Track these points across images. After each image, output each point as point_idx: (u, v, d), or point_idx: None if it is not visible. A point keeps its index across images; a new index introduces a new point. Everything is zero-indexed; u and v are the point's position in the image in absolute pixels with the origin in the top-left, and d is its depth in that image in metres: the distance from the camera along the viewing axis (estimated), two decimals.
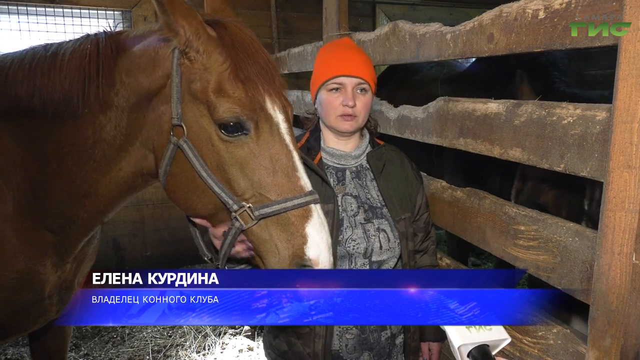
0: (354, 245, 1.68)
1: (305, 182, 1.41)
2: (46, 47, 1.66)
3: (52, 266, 1.79)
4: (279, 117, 1.42)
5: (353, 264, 1.68)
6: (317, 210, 1.40)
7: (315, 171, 1.70)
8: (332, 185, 1.71)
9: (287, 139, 1.42)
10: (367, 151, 1.83)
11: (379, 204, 1.76)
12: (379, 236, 1.71)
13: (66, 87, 1.56)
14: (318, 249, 1.37)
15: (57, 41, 1.67)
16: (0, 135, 1.66)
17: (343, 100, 1.69)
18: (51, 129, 1.61)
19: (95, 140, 1.57)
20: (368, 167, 1.81)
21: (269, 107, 1.40)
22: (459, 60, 3.04)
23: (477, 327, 1.00)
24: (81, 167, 1.62)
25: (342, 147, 1.79)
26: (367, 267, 1.69)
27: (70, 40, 1.63)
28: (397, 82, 3.69)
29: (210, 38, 1.40)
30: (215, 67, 1.39)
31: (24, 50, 1.69)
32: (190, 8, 1.39)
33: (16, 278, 1.71)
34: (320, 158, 1.77)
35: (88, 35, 1.60)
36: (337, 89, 1.71)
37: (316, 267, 1.36)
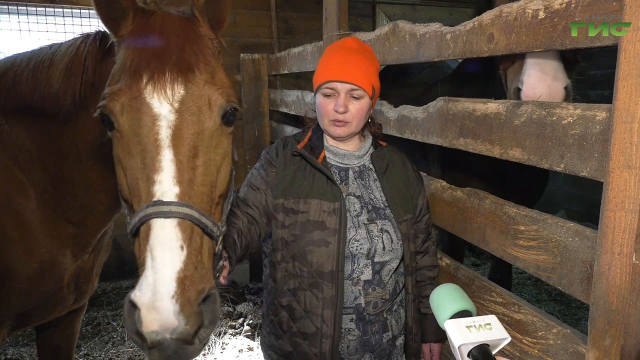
0: (357, 246, 1.68)
1: (159, 187, 1.11)
2: (52, 45, 1.72)
3: (71, 256, 1.87)
4: (157, 107, 1.18)
5: (356, 265, 1.68)
6: (159, 225, 1.08)
7: (320, 170, 1.70)
8: (336, 183, 1.71)
9: (161, 132, 1.16)
10: (370, 152, 1.83)
11: (382, 205, 1.75)
12: (382, 237, 1.70)
13: (55, 84, 1.62)
14: (146, 285, 1.02)
15: (65, 40, 1.72)
16: (16, 132, 1.73)
17: (334, 105, 1.67)
18: (62, 126, 1.68)
19: (103, 139, 1.60)
20: (371, 167, 1.81)
21: (147, 96, 1.18)
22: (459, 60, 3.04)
23: (478, 326, 1.00)
24: (94, 164, 1.67)
25: (343, 147, 1.79)
26: (370, 268, 1.69)
27: (72, 39, 1.66)
28: (389, 83, 3.70)
29: (126, 36, 1.29)
30: (115, 67, 1.28)
31: (34, 49, 1.76)
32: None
33: (38, 268, 1.77)
34: (324, 156, 1.76)
35: (87, 34, 1.63)
36: (330, 94, 1.68)
37: (143, 313, 1.00)
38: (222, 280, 1.35)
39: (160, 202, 1.10)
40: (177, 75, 1.20)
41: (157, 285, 1.01)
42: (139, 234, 1.12)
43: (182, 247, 1.07)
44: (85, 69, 1.55)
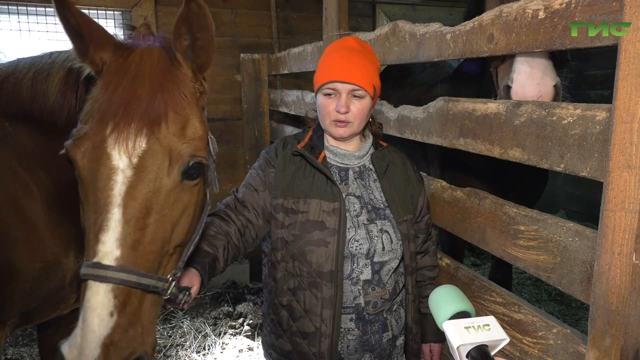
0: (356, 246, 1.68)
1: (101, 248, 1.12)
2: (52, 53, 1.73)
3: (74, 257, 1.88)
4: (117, 160, 1.16)
5: (355, 265, 1.68)
6: (93, 290, 1.09)
7: (320, 169, 1.70)
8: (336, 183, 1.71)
9: (115, 188, 1.15)
10: (370, 152, 1.83)
11: (382, 205, 1.75)
12: (381, 237, 1.70)
13: (52, 97, 1.63)
14: (75, 343, 1.08)
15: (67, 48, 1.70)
16: (20, 135, 1.74)
17: (336, 106, 1.67)
18: (61, 136, 1.66)
19: None
20: (371, 167, 1.81)
21: (109, 147, 1.17)
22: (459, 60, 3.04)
23: (476, 327, 0.99)
24: None
25: (343, 147, 1.79)
26: (369, 267, 1.69)
27: (69, 49, 1.66)
28: (390, 83, 3.70)
29: (103, 71, 1.28)
30: (88, 104, 1.27)
31: (35, 55, 1.77)
32: (104, 32, 1.28)
33: (42, 268, 1.79)
34: (325, 156, 1.76)
35: None
36: (331, 94, 1.69)
37: None
38: (185, 306, 1.35)
39: (99, 265, 1.10)
40: (142, 127, 1.18)
41: (82, 348, 1.06)
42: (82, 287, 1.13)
43: (111, 314, 1.09)
44: (79, 84, 1.54)
